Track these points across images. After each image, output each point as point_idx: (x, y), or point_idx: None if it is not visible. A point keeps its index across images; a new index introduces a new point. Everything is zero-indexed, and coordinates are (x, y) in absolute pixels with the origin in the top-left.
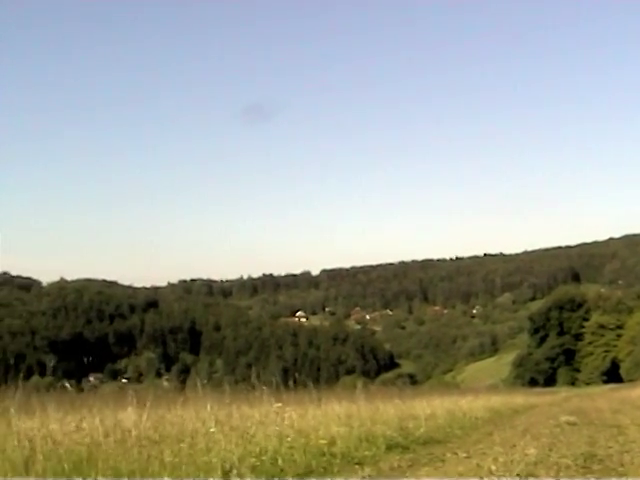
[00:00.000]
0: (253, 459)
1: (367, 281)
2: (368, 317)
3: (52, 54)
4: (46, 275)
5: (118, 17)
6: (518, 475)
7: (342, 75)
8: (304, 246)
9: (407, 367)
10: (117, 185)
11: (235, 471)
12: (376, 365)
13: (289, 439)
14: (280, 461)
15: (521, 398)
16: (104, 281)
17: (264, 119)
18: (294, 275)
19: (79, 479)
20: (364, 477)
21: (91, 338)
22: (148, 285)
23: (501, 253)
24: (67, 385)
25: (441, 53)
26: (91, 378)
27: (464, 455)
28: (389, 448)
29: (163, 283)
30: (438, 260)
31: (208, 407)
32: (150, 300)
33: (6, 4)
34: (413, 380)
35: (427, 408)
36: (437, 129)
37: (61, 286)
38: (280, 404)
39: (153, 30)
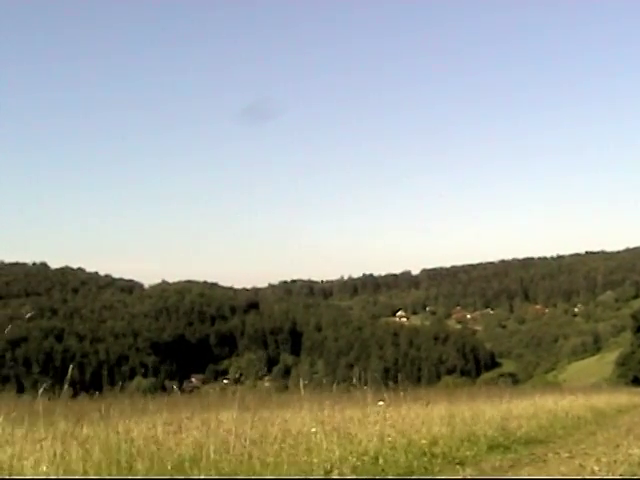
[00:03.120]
0: (354, 459)
1: (468, 280)
2: (469, 316)
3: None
4: (148, 277)
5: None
6: (621, 475)
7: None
8: (404, 246)
9: (508, 366)
10: (217, 186)
11: (336, 471)
12: (477, 365)
13: (390, 439)
14: (381, 461)
15: (624, 397)
16: (205, 283)
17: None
18: (394, 275)
19: (182, 478)
20: (465, 477)
21: (192, 340)
22: (249, 286)
23: (603, 251)
24: (172, 386)
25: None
26: (193, 379)
27: (566, 455)
28: (490, 448)
29: (264, 284)
30: (539, 258)
31: (309, 407)
32: (251, 301)
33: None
34: (514, 379)
35: (529, 407)
36: (536, 125)
37: (163, 288)
38: (381, 404)
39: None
